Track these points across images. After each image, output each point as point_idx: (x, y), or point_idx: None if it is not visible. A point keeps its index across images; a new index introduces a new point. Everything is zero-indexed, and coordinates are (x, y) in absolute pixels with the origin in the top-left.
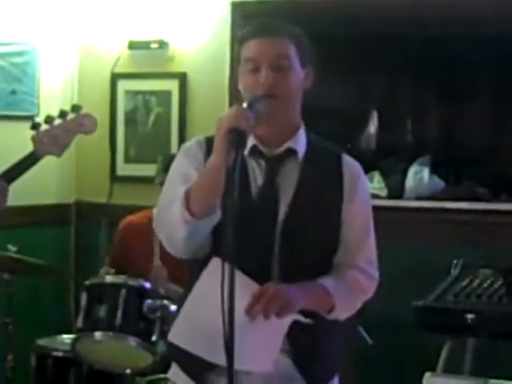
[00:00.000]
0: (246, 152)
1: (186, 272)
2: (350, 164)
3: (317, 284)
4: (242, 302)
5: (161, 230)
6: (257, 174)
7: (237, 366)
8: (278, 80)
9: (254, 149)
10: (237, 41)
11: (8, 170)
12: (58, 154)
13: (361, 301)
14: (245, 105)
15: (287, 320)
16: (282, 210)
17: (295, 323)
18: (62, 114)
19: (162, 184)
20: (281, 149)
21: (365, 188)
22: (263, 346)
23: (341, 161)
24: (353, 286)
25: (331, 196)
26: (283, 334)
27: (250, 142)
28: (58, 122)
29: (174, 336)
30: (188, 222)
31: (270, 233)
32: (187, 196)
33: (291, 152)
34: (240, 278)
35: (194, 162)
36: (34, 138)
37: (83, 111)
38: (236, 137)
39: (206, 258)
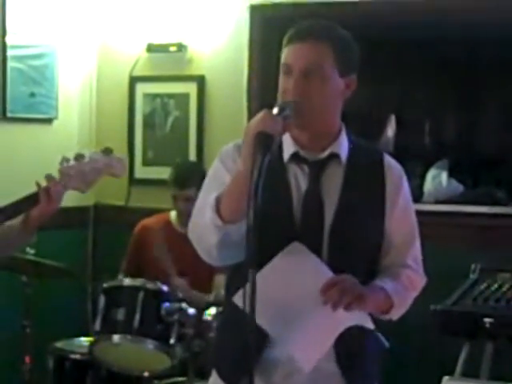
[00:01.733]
0: (286, 158)
1: (226, 277)
2: (393, 165)
3: (377, 286)
4: (313, 284)
5: (194, 236)
6: (300, 180)
7: (279, 348)
8: (308, 87)
9: (295, 155)
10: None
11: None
12: (84, 191)
13: (412, 298)
14: (275, 110)
15: (348, 321)
16: (328, 214)
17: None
18: (78, 157)
19: (174, 198)
20: (324, 154)
21: (407, 189)
22: (315, 338)
23: (383, 162)
24: (407, 284)
25: (375, 198)
26: (338, 333)
27: (292, 148)
28: (87, 159)
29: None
30: (219, 228)
31: (317, 237)
32: (218, 201)
33: (334, 156)
34: (314, 261)
35: (230, 166)
36: (60, 171)
37: (114, 154)
38: (262, 140)
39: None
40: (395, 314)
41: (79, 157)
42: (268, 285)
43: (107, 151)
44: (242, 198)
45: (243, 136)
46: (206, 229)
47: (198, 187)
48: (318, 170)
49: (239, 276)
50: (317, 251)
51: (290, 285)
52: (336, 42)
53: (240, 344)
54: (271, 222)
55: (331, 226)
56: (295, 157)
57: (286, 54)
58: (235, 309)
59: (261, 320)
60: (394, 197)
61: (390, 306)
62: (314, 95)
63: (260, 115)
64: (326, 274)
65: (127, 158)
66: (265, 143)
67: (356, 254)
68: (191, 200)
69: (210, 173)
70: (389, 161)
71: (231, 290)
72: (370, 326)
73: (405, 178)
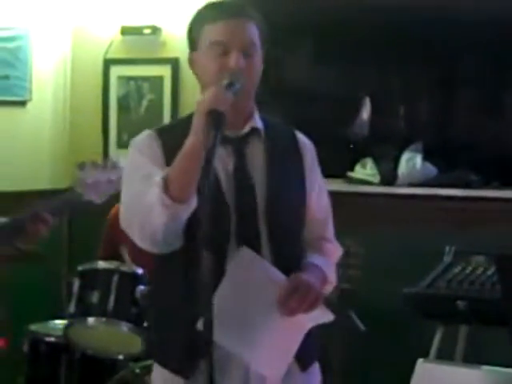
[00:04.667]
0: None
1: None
2: (306, 141)
3: (316, 267)
4: (267, 292)
5: (134, 225)
6: (224, 158)
7: (252, 367)
8: (248, 64)
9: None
10: (195, 22)
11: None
12: (98, 201)
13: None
14: (225, 84)
15: (309, 323)
16: (260, 192)
17: None
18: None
19: None
20: (245, 129)
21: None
22: (279, 349)
23: (296, 138)
24: (332, 259)
25: (297, 173)
26: (301, 338)
27: None
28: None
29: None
30: (168, 207)
31: (253, 216)
32: (166, 181)
33: (255, 131)
34: (264, 267)
35: (150, 154)
36: (78, 180)
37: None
38: (215, 118)
39: (180, 250)
40: (327, 291)
41: (96, 164)
42: (224, 301)
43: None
44: (192, 174)
45: (195, 111)
46: (152, 211)
47: None
48: (242, 146)
49: (179, 258)
50: (255, 232)
51: (245, 297)
52: (259, 19)
53: (190, 335)
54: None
55: (265, 206)
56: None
57: (217, 32)
58: (173, 297)
59: (219, 337)
60: (313, 172)
61: (327, 283)
62: (253, 72)
63: (211, 91)
64: (279, 279)
65: None
66: (217, 121)
67: (291, 231)
68: None
69: (129, 165)
70: (301, 136)
71: (166, 277)
72: (330, 317)
73: (316, 154)
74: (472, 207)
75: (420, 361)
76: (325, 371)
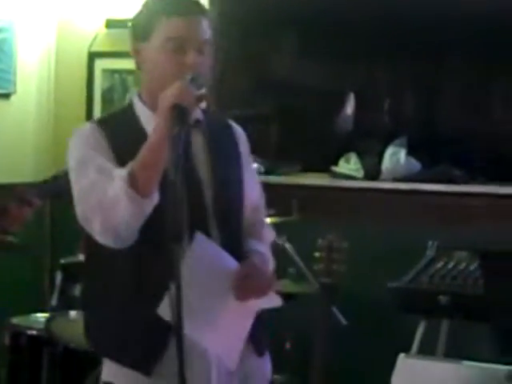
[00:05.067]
0: (150, 130)
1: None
2: (239, 129)
3: (261, 254)
4: (220, 278)
5: (94, 219)
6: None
7: (210, 351)
8: (203, 61)
9: None
10: (148, 13)
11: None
12: None
13: None
14: (188, 79)
15: (258, 307)
16: (206, 184)
17: None
18: None
19: None
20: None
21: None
22: (232, 333)
23: (231, 126)
24: (269, 245)
25: (234, 161)
26: (251, 321)
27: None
28: None
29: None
30: (134, 201)
31: (201, 209)
32: (131, 175)
33: (197, 123)
34: (218, 252)
35: (100, 150)
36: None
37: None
38: (179, 113)
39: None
40: None
41: None
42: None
43: None
44: (157, 168)
45: (158, 105)
46: (116, 205)
47: None
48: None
49: (130, 252)
50: (204, 222)
51: (200, 282)
52: (208, 14)
53: (149, 328)
54: None
55: (213, 198)
56: None
57: (173, 27)
58: (125, 290)
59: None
60: (247, 158)
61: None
62: (206, 68)
63: (175, 86)
64: (232, 264)
65: None
66: (181, 116)
67: (236, 219)
68: None
69: (77, 158)
70: (234, 125)
71: (114, 270)
72: (279, 301)
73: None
74: (455, 202)
75: (401, 356)
76: (307, 365)
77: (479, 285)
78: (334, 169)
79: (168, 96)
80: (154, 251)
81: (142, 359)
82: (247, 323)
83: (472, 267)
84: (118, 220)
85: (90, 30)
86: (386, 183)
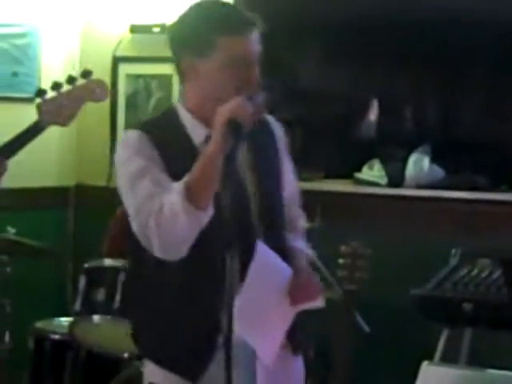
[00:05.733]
0: (198, 142)
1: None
2: (277, 124)
3: (301, 252)
4: (277, 284)
5: (153, 235)
6: None
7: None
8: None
9: (209, 138)
10: (207, 29)
11: (9, 142)
12: (64, 124)
13: None
14: (248, 96)
15: (299, 309)
16: (251, 192)
17: None
18: (71, 80)
19: None
20: None
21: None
22: (273, 332)
23: (268, 123)
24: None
25: (274, 158)
26: (290, 322)
27: (203, 131)
28: (65, 89)
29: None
30: (192, 215)
31: (248, 217)
32: (187, 189)
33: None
34: (275, 261)
35: (153, 160)
36: (38, 106)
37: (93, 77)
38: (234, 128)
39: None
40: None
41: (56, 86)
42: (248, 295)
43: (86, 74)
44: (212, 182)
45: (215, 118)
46: (174, 220)
47: None
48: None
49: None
50: (250, 231)
51: (263, 289)
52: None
53: (198, 337)
54: None
55: (258, 206)
56: (209, 139)
57: (239, 47)
58: (176, 299)
59: (239, 329)
60: (284, 152)
61: None
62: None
63: (234, 102)
64: (287, 271)
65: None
66: (236, 131)
67: (280, 217)
68: None
69: (131, 170)
70: (271, 119)
71: (165, 278)
72: (321, 303)
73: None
74: (479, 210)
75: (425, 363)
76: (328, 372)
77: (502, 293)
78: (358, 175)
79: (225, 111)
80: (205, 260)
81: (190, 366)
82: (288, 323)
83: (495, 275)
84: (176, 235)
85: (115, 35)
86: (410, 190)
